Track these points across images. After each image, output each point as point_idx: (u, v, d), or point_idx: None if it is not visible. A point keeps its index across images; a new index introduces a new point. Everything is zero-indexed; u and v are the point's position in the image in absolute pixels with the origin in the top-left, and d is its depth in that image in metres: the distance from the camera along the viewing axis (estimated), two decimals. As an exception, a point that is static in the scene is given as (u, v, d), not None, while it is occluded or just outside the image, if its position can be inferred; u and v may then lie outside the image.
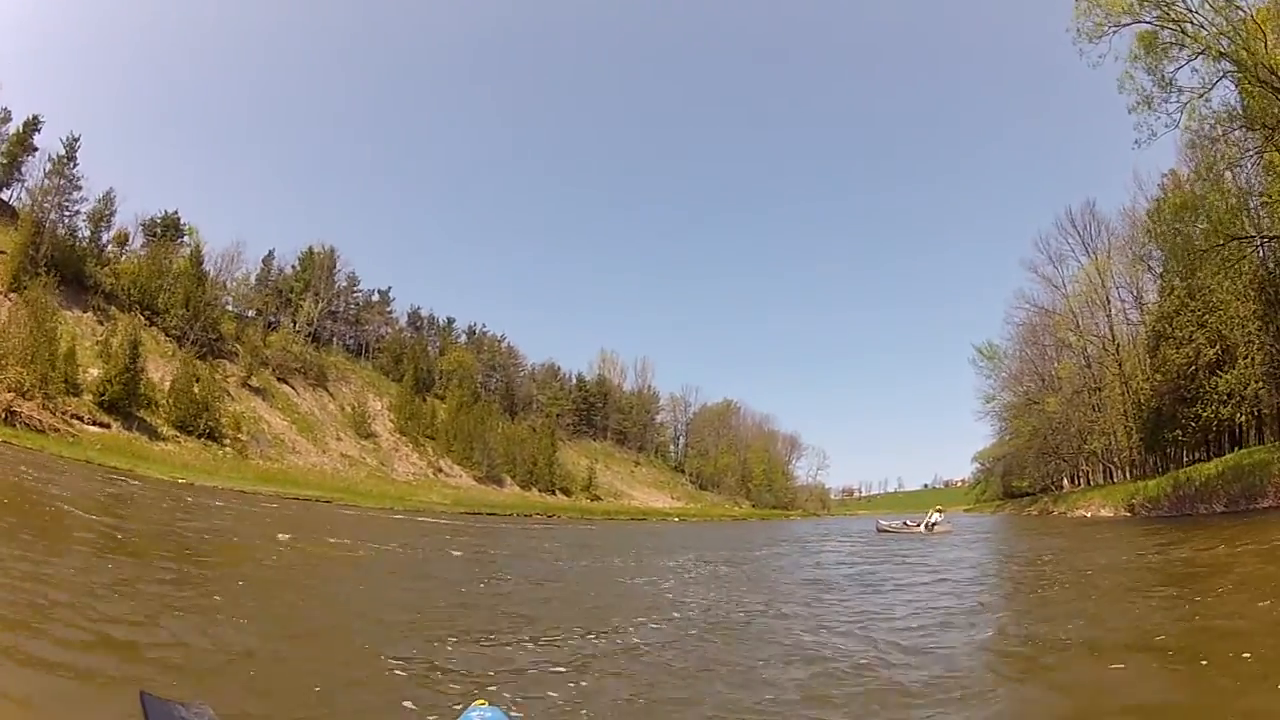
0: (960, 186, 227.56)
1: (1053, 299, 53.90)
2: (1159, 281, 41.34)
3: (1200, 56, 18.49)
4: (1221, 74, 18.23)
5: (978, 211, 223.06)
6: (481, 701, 2.95)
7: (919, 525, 32.21)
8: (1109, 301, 48.05)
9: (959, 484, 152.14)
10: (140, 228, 54.02)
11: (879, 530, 33.90)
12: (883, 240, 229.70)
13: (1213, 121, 18.49)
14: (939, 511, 33.66)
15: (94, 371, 37.83)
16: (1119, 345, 47.28)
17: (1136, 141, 20.19)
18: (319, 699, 4.91)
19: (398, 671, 5.67)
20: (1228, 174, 20.64)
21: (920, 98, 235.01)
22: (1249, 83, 17.68)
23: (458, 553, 17.87)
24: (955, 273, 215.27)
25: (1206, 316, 34.12)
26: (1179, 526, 21.06)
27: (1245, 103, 18.33)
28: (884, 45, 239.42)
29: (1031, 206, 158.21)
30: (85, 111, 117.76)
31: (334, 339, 69.29)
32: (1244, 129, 18.46)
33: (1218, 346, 34.22)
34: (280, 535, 15.36)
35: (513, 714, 3.43)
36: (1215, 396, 33.84)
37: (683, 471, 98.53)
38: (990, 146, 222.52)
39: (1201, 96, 18.01)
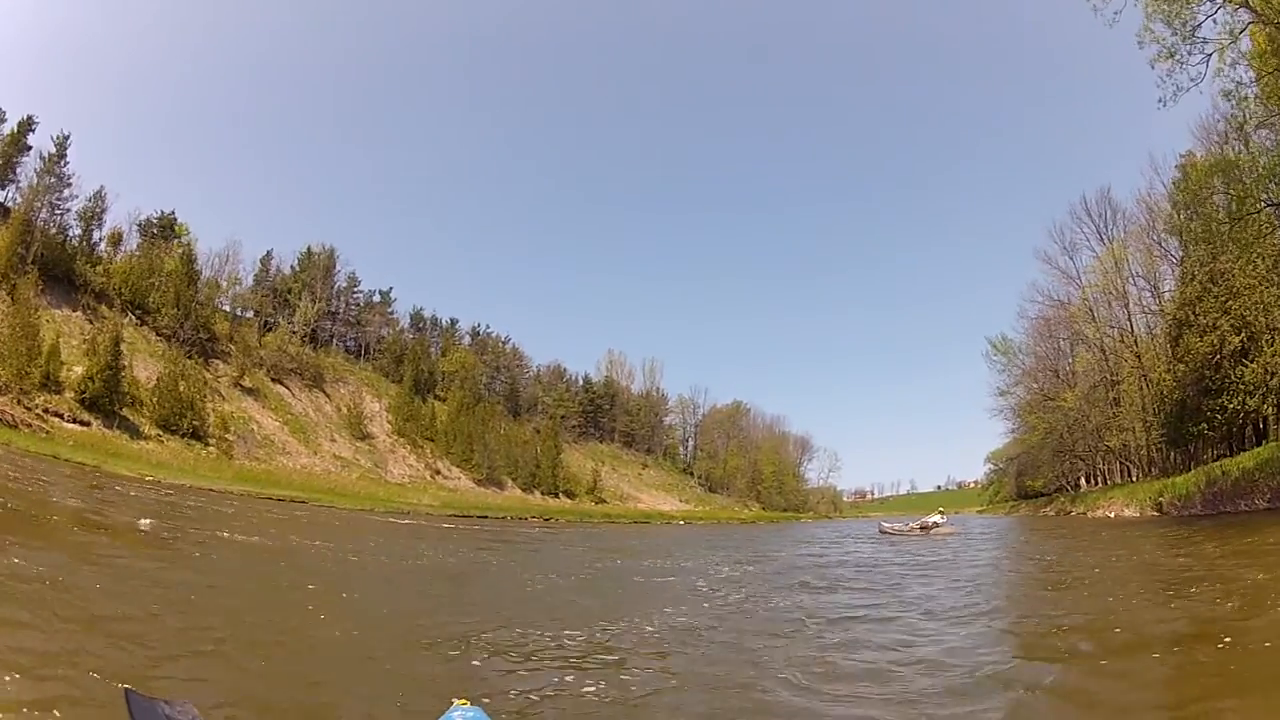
0: (972, 181, 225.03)
1: (1067, 290, 51.88)
2: (1178, 268, 39.40)
3: (1223, 5, 16.97)
4: (1246, 23, 16.75)
5: (988, 209, 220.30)
6: (463, 701, 2.95)
7: (921, 527, 31.78)
8: (1126, 291, 46.02)
9: (972, 485, 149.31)
10: (135, 227, 53.71)
11: (881, 532, 33.64)
12: (894, 239, 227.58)
13: (1246, 64, 16.97)
14: (941, 513, 34.43)
15: (78, 369, 37.17)
16: (1137, 337, 45.28)
17: (1160, 100, 18.66)
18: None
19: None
20: (1258, 135, 19.07)
21: (926, 92, 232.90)
22: (1275, 29, 16.19)
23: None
24: (966, 273, 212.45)
25: (1230, 302, 32.25)
26: (1229, 525, 18.63)
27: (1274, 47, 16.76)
28: (886, 42, 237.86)
29: (1041, 201, 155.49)
30: (84, 112, 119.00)
31: (334, 340, 68.51)
32: (1275, 74, 16.86)
33: (1243, 334, 32.30)
34: (142, 521, 13.46)
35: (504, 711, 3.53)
36: (1242, 387, 31.93)
37: (692, 474, 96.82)
38: (1000, 139, 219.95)
39: (1230, 43, 16.51)
